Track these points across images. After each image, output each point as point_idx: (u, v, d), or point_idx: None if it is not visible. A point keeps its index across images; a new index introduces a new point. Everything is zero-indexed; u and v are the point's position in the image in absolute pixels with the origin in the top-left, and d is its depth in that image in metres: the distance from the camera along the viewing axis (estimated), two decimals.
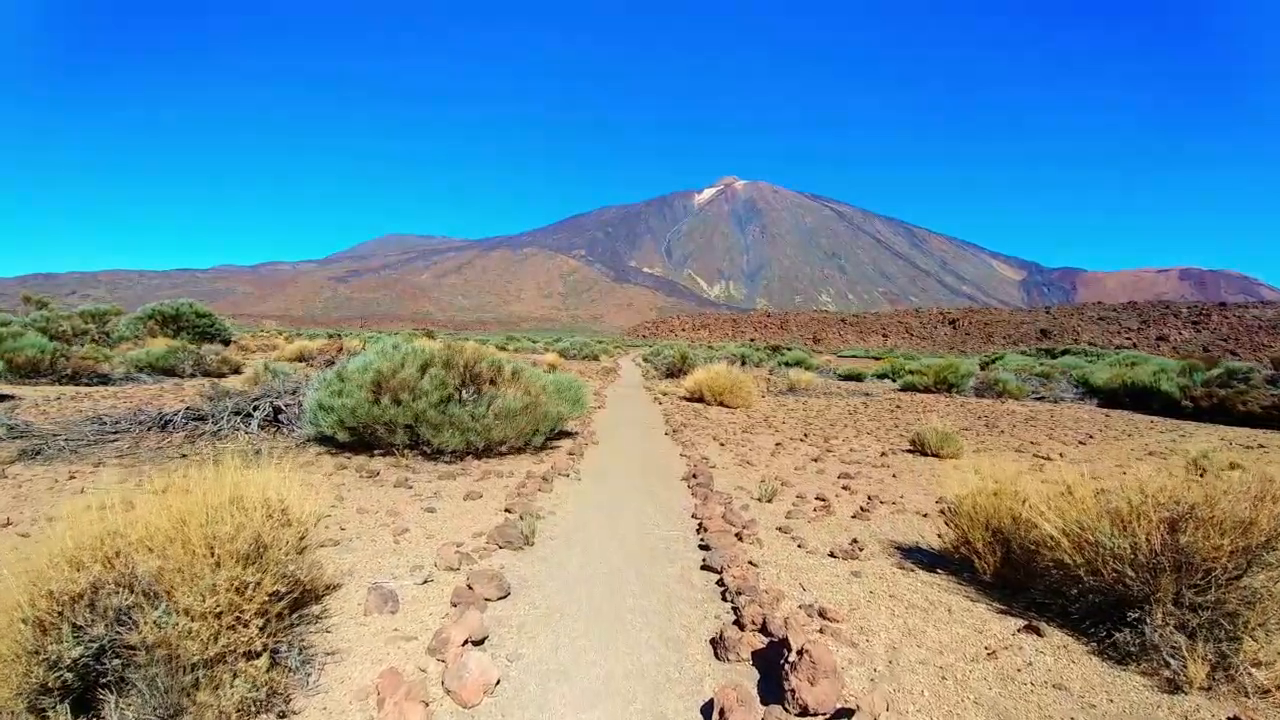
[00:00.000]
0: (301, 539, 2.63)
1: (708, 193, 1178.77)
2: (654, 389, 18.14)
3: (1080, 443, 10.64)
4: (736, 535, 4.09)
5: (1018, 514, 3.07)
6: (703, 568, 3.67)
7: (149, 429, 8.49)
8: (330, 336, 41.50)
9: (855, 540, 4.11)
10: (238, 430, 8.09)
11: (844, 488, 6.37)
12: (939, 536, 3.99)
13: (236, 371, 17.52)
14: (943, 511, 3.81)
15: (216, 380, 15.14)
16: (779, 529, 4.55)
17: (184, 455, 7.04)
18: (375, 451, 7.11)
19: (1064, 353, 49.90)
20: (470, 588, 3.08)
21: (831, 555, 3.86)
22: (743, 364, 28.43)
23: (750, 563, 3.56)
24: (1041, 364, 32.21)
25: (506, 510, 4.85)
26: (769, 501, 5.55)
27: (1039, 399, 18.98)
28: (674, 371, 23.13)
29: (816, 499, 5.78)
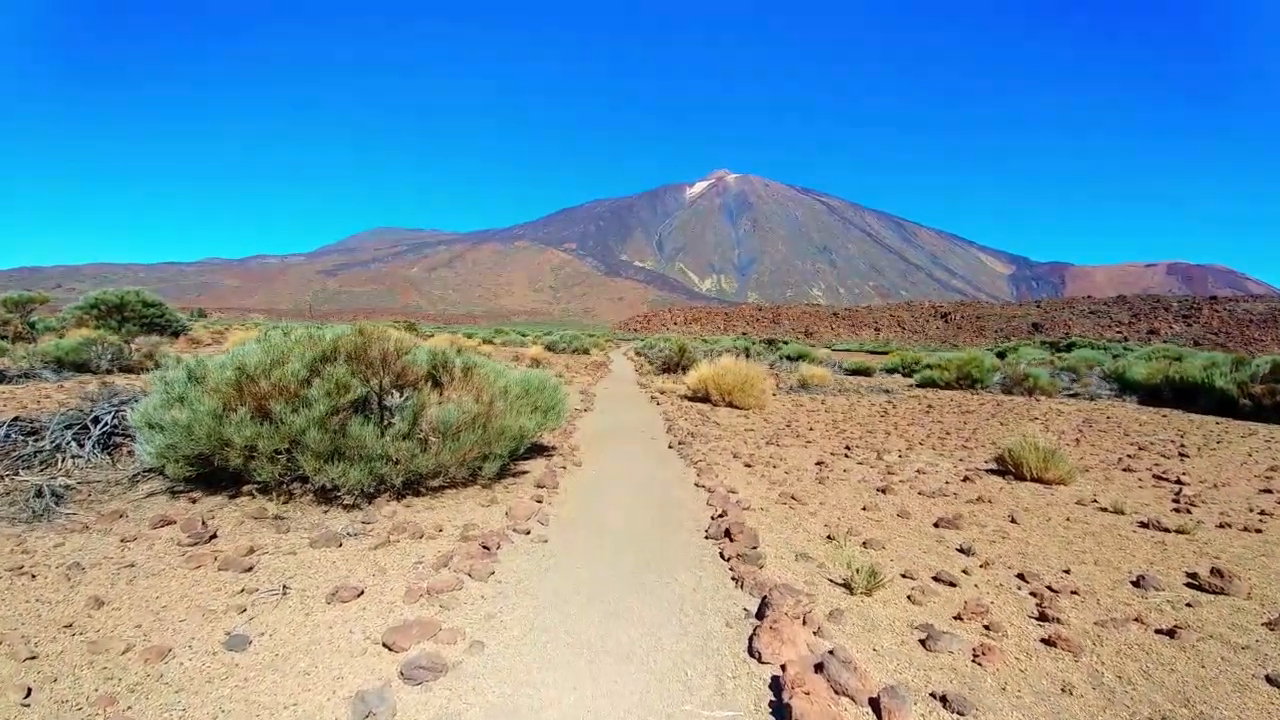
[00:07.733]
0: None
1: (699, 186, 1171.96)
2: (649, 386, 15.76)
3: (1181, 455, 8.39)
4: None
5: None
6: None
7: None
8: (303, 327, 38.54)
9: None
10: (63, 451, 5.64)
11: (960, 550, 4.03)
12: None
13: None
14: None
15: (111, 378, 12.59)
16: (942, 699, 2.22)
17: None
18: (244, 488, 4.71)
19: (1069, 346, 48.12)
20: None
21: None
22: (746, 358, 26.10)
23: None
24: (1061, 359, 30.19)
25: (386, 646, 2.47)
26: (869, 594, 3.20)
27: (1072, 395, 16.87)
28: (670, 366, 20.75)
29: (938, 581, 3.45)
